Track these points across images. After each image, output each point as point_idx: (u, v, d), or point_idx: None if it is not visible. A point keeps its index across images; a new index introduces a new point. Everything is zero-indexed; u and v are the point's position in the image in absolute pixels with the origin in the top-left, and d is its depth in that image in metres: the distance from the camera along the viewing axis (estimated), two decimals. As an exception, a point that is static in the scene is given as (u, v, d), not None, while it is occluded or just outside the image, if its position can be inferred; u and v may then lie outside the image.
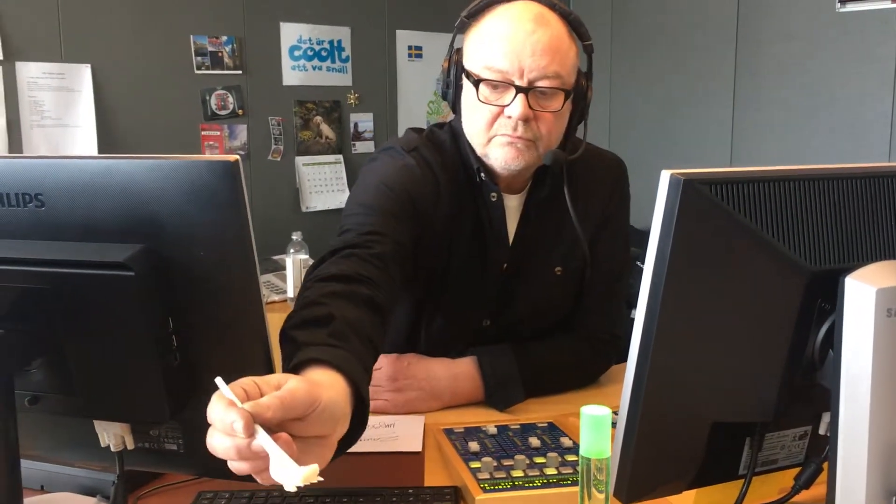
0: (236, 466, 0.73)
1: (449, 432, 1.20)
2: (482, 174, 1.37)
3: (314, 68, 3.79)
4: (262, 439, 0.70)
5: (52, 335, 0.85)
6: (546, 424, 1.23)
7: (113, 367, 0.85)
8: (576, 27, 1.32)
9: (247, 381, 0.74)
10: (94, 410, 0.89)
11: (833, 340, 0.78)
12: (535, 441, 1.14)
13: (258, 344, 0.84)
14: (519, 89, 1.26)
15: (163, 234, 0.81)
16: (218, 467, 0.94)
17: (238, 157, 0.78)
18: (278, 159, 3.72)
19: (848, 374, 0.76)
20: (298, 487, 0.70)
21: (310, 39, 3.76)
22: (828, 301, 0.80)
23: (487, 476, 1.03)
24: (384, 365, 1.35)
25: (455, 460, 1.09)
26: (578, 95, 1.34)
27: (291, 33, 3.70)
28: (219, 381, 0.72)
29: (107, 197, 0.82)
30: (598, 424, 0.68)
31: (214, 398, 0.72)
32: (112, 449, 0.91)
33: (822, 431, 0.88)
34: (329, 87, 3.86)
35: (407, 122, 4.00)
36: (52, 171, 0.83)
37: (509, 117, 1.27)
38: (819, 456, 0.90)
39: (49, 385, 0.88)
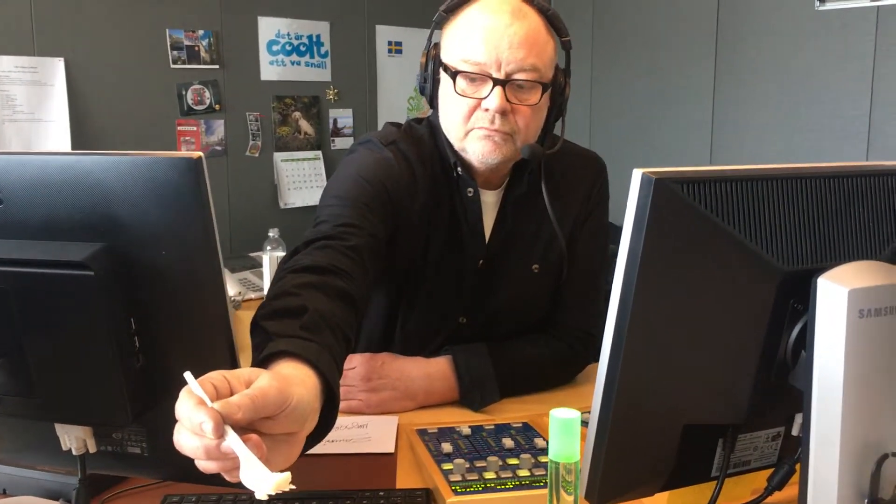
0: (204, 466, 0.71)
1: (422, 433, 1.19)
2: (458, 169, 1.35)
3: (293, 63, 3.76)
4: (232, 441, 0.68)
5: (11, 336, 0.82)
6: (521, 425, 1.22)
7: (74, 369, 0.83)
8: (553, 22, 1.31)
9: (216, 377, 0.72)
10: (54, 413, 0.87)
11: (805, 341, 0.77)
12: (508, 442, 1.13)
13: (223, 345, 0.82)
14: (496, 82, 1.25)
15: (125, 232, 0.79)
16: (183, 471, 0.92)
17: (201, 154, 0.76)
18: (256, 155, 3.69)
19: (820, 375, 0.75)
20: (269, 495, 0.68)
21: (288, 34, 3.73)
22: (800, 301, 0.79)
23: (459, 478, 1.01)
24: (358, 364, 1.34)
25: (427, 462, 1.08)
26: (556, 91, 1.33)
27: (269, 27, 3.67)
28: (188, 375, 0.70)
29: (67, 194, 0.80)
30: (567, 428, 0.67)
31: (183, 394, 0.70)
32: (74, 452, 0.89)
33: (794, 432, 0.87)
34: (308, 83, 3.82)
35: (387, 117, 3.96)
36: (11, 168, 0.81)
37: (486, 110, 1.27)
38: (792, 457, 0.90)
39: (8, 387, 0.86)
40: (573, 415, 0.67)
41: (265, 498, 0.68)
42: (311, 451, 1.15)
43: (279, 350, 0.84)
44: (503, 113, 1.26)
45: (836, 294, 0.74)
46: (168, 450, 0.90)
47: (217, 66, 3.52)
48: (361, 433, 1.23)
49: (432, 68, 1.34)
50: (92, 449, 0.90)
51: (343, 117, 3.96)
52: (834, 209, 0.79)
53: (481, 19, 1.27)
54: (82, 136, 3.16)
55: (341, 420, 1.28)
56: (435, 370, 1.35)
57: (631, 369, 0.76)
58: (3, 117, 2.97)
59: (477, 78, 1.27)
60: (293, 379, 0.78)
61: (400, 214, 1.33)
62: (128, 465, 0.92)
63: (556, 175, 1.39)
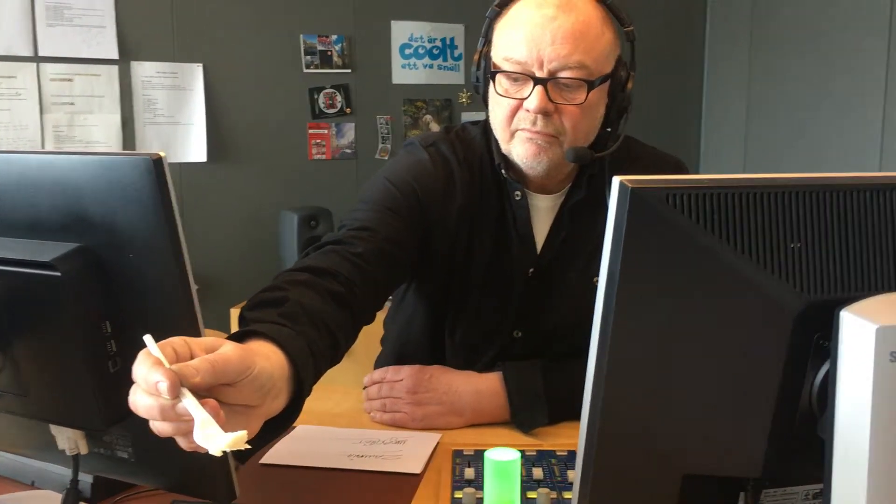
0: (158, 427, 0.70)
1: (457, 454, 1.12)
2: (503, 171, 1.28)
3: (425, 66, 3.75)
4: (188, 403, 0.67)
5: (1, 333, 0.83)
6: (566, 453, 1.12)
7: (51, 371, 0.82)
8: (614, 11, 1.20)
9: (177, 341, 0.71)
10: (42, 413, 0.87)
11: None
12: (538, 472, 1.03)
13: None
14: (536, 80, 1.16)
15: (97, 233, 0.78)
16: (168, 480, 0.91)
17: (162, 154, 0.73)
18: (386, 158, 3.71)
19: (842, 429, 0.62)
20: (224, 453, 0.66)
21: (421, 37, 3.73)
22: (827, 338, 0.65)
23: (463, 509, 0.93)
24: (406, 376, 1.28)
25: (444, 487, 1.01)
26: (616, 86, 1.21)
27: (403, 31, 3.68)
28: (147, 338, 0.69)
29: (47, 194, 0.80)
30: (503, 472, 0.58)
31: (141, 356, 0.69)
32: (67, 452, 0.89)
33: (839, 492, 0.73)
34: (440, 86, 3.81)
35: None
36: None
37: (528, 110, 1.18)
38: (841, 519, 0.75)
39: (6, 384, 0.87)
40: (511, 456, 0.58)
41: (219, 454, 0.66)
42: (334, 465, 1.12)
43: (249, 330, 0.83)
44: (546, 114, 1.17)
45: (862, 331, 0.60)
46: (151, 458, 0.88)
47: (349, 70, 3.57)
48: (394, 450, 1.17)
49: (484, 66, 1.27)
50: (83, 450, 0.89)
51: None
52: (869, 228, 0.65)
53: (525, 14, 1.18)
54: (218, 139, 3.30)
55: (378, 434, 1.23)
56: (485, 386, 1.27)
57: (614, 409, 0.66)
58: (145, 120, 3.15)
59: (519, 77, 1.18)
60: (257, 350, 0.77)
61: (432, 216, 1.28)
62: (118, 469, 0.91)
63: (625, 182, 1.26)
